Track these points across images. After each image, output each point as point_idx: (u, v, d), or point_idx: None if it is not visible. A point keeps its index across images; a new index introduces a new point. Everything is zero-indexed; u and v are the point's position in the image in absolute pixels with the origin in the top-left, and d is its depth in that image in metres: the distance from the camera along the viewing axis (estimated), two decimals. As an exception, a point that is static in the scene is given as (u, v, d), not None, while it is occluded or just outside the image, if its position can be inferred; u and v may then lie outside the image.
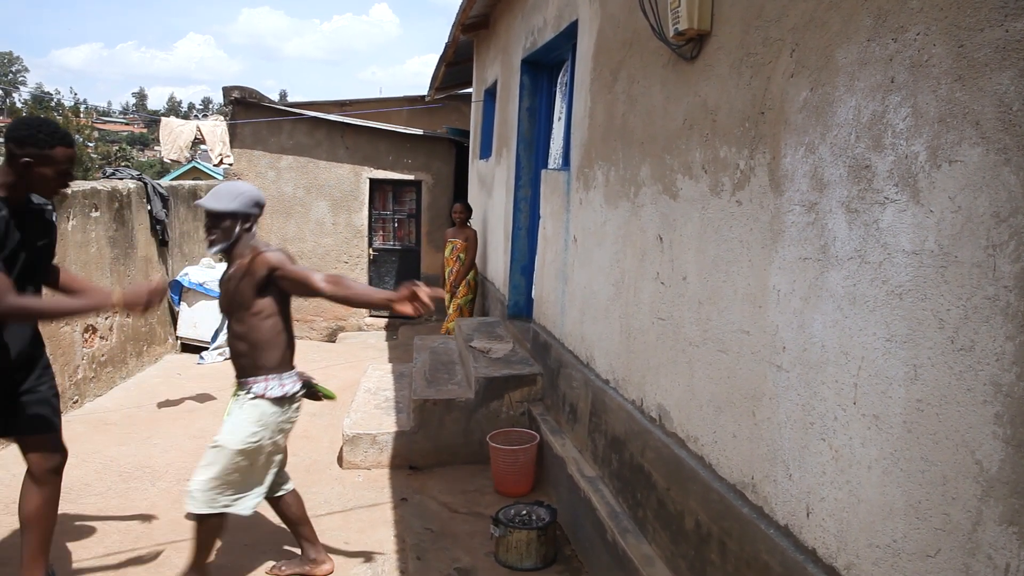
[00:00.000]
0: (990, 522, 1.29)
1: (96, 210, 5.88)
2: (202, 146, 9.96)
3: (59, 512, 3.65)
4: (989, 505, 1.29)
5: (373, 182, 10.39)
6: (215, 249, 2.84)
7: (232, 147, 9.78)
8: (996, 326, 1.28)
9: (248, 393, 2.82)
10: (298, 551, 3.20)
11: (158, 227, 7.05)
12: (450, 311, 7.08)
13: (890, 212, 1.54)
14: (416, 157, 10.40)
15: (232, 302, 2.81)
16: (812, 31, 1.84)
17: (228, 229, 2.82)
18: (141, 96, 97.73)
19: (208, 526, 2.85)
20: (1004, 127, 1.27)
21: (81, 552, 3.30)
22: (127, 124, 65.74)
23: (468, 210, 7.21)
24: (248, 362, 2.82)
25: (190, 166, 20.75)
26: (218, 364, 7.09)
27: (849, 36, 1.70)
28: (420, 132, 10.36)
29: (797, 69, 1.90)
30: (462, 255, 7.05)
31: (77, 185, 5.77)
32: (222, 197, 2.82)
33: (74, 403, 5.47)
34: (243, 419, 2.80)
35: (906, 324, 1.49)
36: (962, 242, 1.36)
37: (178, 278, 7.38)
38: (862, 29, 1.65)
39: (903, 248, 1.51)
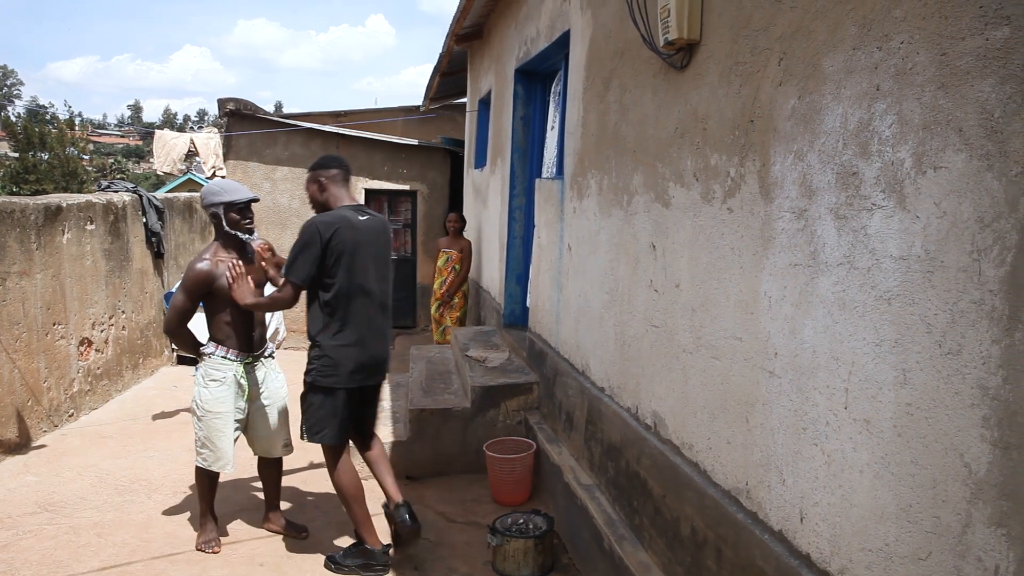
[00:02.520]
0: (979, 524, 1.30)
1: (91, 223, 5.89)
2: (196, 158, 9.98)
3: (54, 525, 3.67)
4: (978, 508, 1.30)
5: (369, 192, 10.40)
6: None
7: (227, 159, 9.80)
8: (982, 330, 1.30)
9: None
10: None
11: (153, 239, 7.06)
12: (447, 322, 7.08)
13: (877, 218, 1.56)
14: (411, 167, 10.43)
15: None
16: (799, 40, 1.87)
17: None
18: (136, 108, 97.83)
19: None
20: (986, 134, 1.29)
21: (77, 566, 3.29)
22: (122, 136, 65.74)
23: (463, 220, 7.23)
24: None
25: (185, 178, 20.76)
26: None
27: (835, 45, 1.72)
28: (415, 142, 10.40)
29: (785, 77, 1.92)
30: (457, 266, 7.05)
31: (72, 198, 5.78)
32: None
33: (70, 416, 5.45)
34: None
35: (895, 329, 1.51)
36: (948, 247, 1.38)
37: (173, 290, 7.37)
38: (847, 38, 1.67)
39: (891, 254, 1.52)
